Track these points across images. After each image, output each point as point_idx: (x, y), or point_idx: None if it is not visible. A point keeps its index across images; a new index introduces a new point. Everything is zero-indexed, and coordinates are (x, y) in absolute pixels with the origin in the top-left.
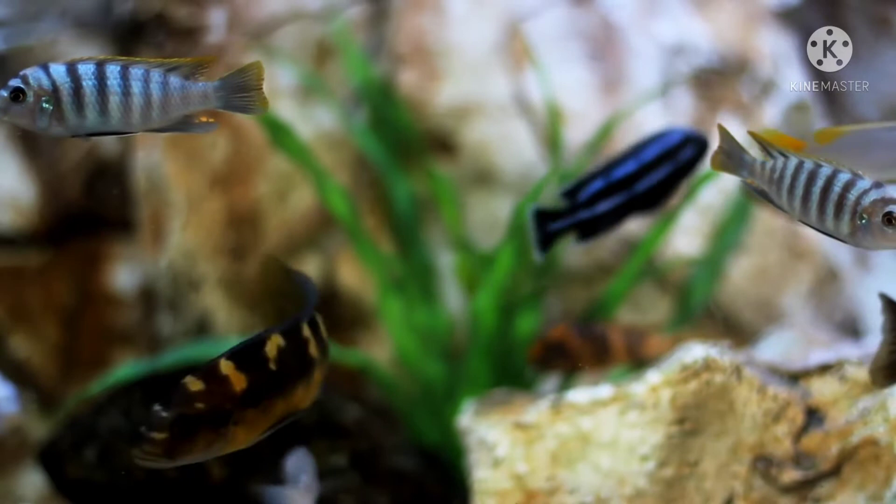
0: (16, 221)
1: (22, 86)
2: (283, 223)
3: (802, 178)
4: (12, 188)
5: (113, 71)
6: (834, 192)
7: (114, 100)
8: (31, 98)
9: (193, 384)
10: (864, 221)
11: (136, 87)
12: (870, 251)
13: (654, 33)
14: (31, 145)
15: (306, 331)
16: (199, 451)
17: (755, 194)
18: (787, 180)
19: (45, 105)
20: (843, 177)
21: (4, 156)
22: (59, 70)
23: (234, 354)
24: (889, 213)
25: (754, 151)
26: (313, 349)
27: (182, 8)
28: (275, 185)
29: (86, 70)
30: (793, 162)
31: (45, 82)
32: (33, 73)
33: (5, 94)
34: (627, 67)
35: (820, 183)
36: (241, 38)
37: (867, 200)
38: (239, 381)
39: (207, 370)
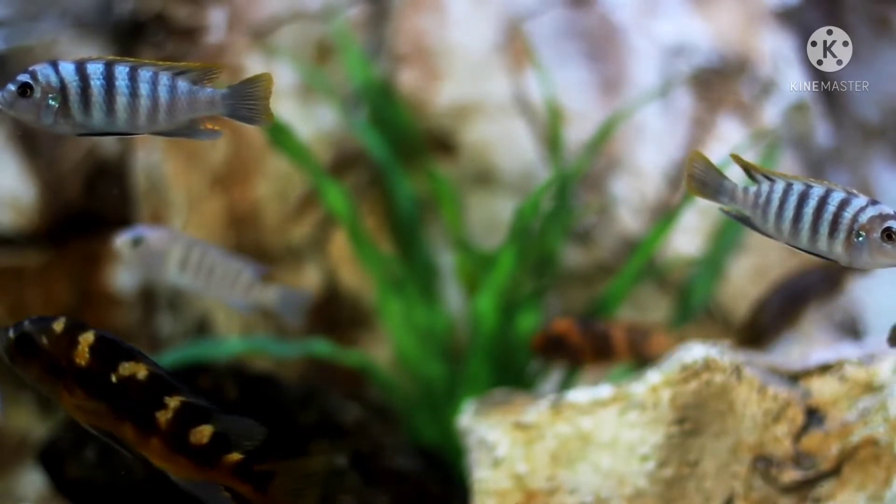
0: (16, 221)
1: (30, 81)
2: (282, 223)
3: (792, 199)
4: (12, 188)
5: (122, 72)
6: (828, 211)
7: (121, 100)
8: (38, 94)
9: (57, 324)
10: (861, 239)
11: (143, 88)
12: (867, 269)
13: (654, 33)
14: (31, 145)
15: (175, 403)
16: (31, 377)
17: (735, 220)
18: (775, 203)
19: (51, 102)
20: (837, 195)
21: (4, 156)
22: (67, 68)
23: (102, 337)
24: (888, 229)
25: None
26: (165, 421)
27: (182, 8)
28: (275, 185)
29: (95, 69)
30: (780, 185)
31: (54, 79)
32: (42, 70)
33: (13, 88)
34: (627, 67)
35: (812, 203)
36: (241, 38)
37: (864, 217)
38: (81, 357)
39: (75, 325)
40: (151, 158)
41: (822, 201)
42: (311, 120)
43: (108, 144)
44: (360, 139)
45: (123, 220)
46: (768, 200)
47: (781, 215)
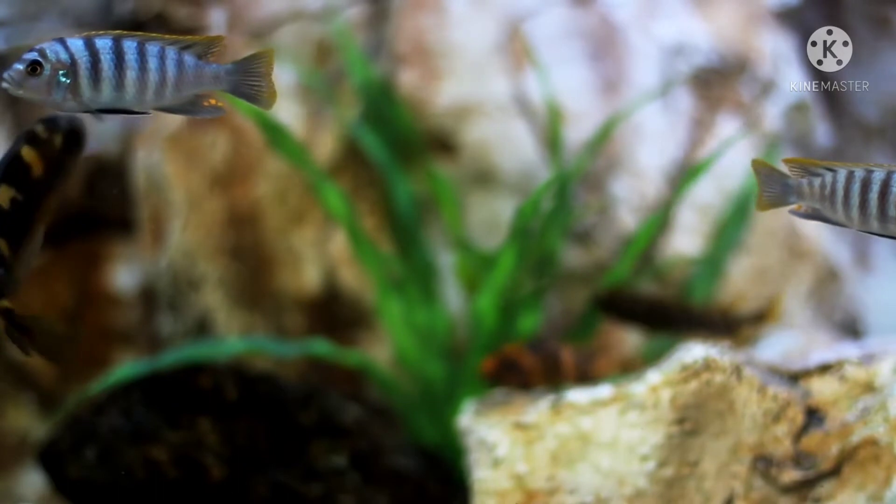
0: None
1: (39, 59)
2: (283, 223)
3: (856, 187)
4: None
5: (130, 47)
6: (893, 192)
7: (130, 75)
8: (48, 71)
9: (56, 132)
10: None
11: (152, 63)
12: None
13: (654, 33)
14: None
15: None
16: None
17: (806, 217)
18: (840, 193)
19: (62, 79)
20: None
21: None
22: (76, 44)
23: (18, 155)
24: None
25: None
26: None
27: (182, 8)
28: (275, 185)
29: (104, 45)
30: (842, 174)
31: (63, 56)
32: (51, 47)
33: (21, 67)
34: (627, 67)
35: (876, 188)
36: (241, 37)
37: None
38: (38, 166)
39: (40, 139)
40: (151, 158)
41: (885, 184)
42: (309, 120)
43: (108, 144)
44: (358, 139)
45: (123, 220)
46: (833, 190)
47: (848, 203)
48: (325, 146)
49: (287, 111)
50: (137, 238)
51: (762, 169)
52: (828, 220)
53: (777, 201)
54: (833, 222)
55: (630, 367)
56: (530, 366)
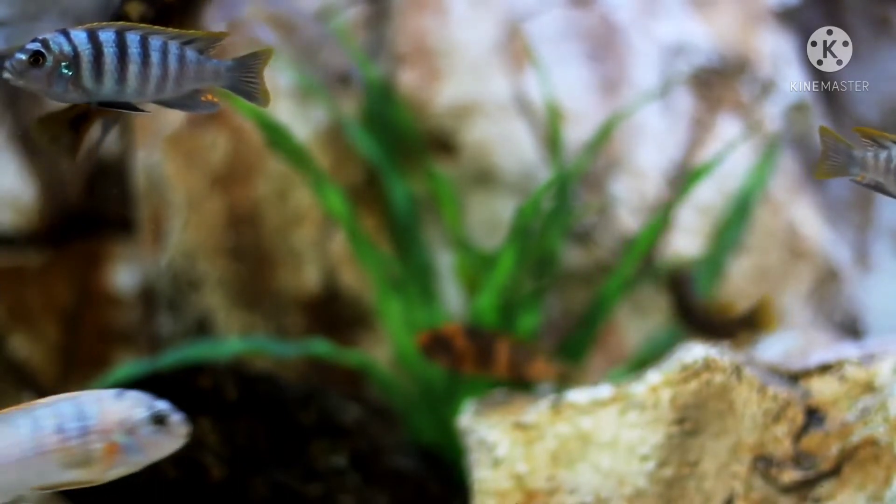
0: (16, 221)
1: (42, 50)
2: (283, 223)
3: None
4: (12, 188)
5: (133, 40)
6: None
7: (132, 69)
8: (50, 63)
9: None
10: None
11: (154, 57)
12: None
13: (654, 33)
14: (31, 145)
15: None
16: None
17: (869, 188)
18: None
19: (64, 70)
20: None
21: (4, 156)
22: (80, 36)
23: None
24: None
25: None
26: None
27: None
28: (275, 185)
29: (107, 37)
30: None
31: (67, 47)
32: (54, 38)
33: (23, 57)
34: (627, 67)
35: None
36: (240, 38)
37: None
38: None
39: None
40: (151, 158)
41: None
42: (309, 120)
43: (108, 144)
44: (354, 140)
45: (123, 220)
46: None
47: None
48: (323, 146)
49: (286, 111)
50: (137, 238)
51: (828, 138)
52: (890, 195)
53: (838, 171)
54: (894, 196)
55: (571, 376)
56: (462, 349)
